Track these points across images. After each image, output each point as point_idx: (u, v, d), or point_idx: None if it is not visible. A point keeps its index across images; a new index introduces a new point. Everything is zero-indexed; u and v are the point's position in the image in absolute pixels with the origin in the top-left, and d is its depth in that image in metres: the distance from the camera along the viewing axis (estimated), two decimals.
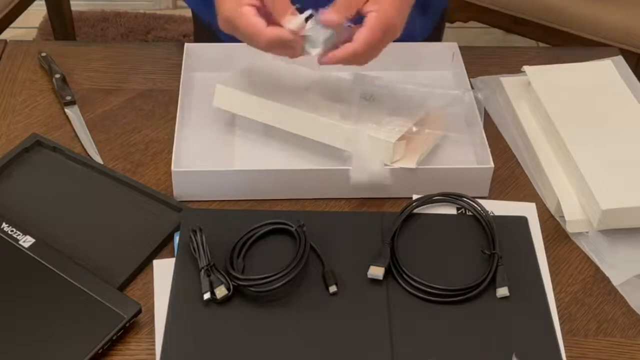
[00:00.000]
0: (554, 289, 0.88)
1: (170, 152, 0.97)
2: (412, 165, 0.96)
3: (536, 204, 0.98)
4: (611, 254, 0.92)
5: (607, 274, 0.91)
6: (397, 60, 1.09)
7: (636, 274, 0.91)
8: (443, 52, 1.15)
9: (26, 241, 0.87)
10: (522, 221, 0.94)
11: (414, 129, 0.98)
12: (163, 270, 0.88)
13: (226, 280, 0.84)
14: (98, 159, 1.01)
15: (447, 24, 1.35)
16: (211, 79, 1.05)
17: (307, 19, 0.89)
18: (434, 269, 0.87)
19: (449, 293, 0.85)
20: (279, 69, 1.05)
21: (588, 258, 0.93)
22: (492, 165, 0.97)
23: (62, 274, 0.84)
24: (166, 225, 0.92)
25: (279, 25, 0.88)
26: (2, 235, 0.88)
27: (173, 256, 0.89)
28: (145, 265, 0.89)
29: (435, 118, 1.02)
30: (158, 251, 0.91)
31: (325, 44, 0.90)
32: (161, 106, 1.10)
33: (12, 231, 0.88)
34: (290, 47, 0.89)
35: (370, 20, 0.88)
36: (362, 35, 0.88)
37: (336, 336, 0.82)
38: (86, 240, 0.90)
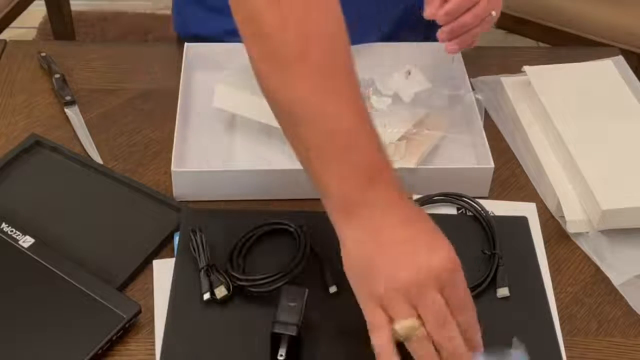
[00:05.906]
0: (554, 289, 0.88)
1: (170, 152, 0.96)
2: (412, 165, 0.96)
3: (536, 204, 0.98)
4: (611, 254, 0.92)
5: (607, 274, 0.91)
6: (397, 60, 1.09)
7: (636, 274, 0.91)
8: (443, 52, 1.14)
9: (26, 241, 0.87)
10: (522, 221, 0.94)
11: (414, 129, 0.98)
12: (163, 270, 0.88)
13: (226, 280, 0.84)
14: (98, 159, 1.01)
15: None
16: (211, 79, 1.05)
17: None
18: None
19: None
20: None
21: (588, 258, 0.93)
22: (492, 165, 0.96)
23: (61, 274, 0.84)
24: (166, 225, 0.92)
25: None
26: (1, 235, 0.88)
27: (173, 256, 0.89)
28: (145, 265, 0.89)
29: (435, 118, 1.02)
30: (158, 251, 0.90)
31: None
32: (161, 106, 1.10)
33: (11, 231, 0.88)
34: None
35: None
36: None
37: (336, 336, 0.82)
38: (86, 240, 0.90)
